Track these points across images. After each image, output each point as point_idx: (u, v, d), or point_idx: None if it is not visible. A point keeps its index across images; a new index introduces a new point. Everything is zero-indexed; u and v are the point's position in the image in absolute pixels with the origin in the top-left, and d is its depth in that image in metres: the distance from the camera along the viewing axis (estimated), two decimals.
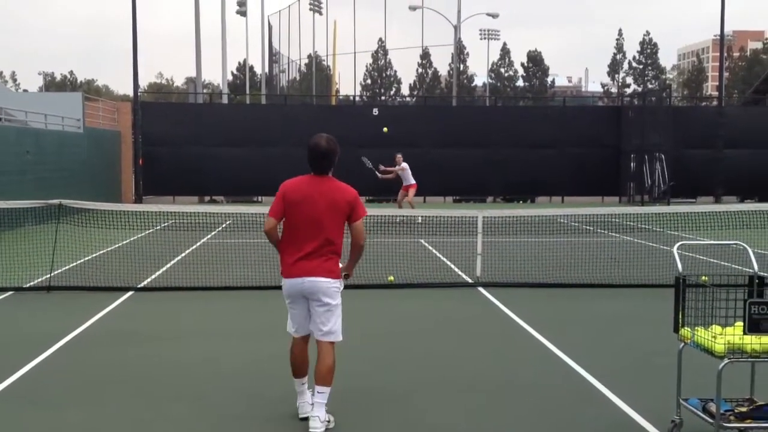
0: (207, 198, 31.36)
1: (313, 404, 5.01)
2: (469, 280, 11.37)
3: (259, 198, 31.14)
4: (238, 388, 6.10)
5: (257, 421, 5.39)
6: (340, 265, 5.20)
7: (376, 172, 20.88)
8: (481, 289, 10.79)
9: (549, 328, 8.24)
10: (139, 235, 15.55)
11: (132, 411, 5.57)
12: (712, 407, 4.54)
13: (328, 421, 5.07)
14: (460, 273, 12.10)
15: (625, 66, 79.67)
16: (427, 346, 7.68)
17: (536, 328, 8.25)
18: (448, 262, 13.14)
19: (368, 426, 5.34)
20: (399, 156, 20.75)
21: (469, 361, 7.01)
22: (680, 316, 4.79)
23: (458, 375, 6.53)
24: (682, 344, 4.82)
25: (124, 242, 14.92)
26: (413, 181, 20.52)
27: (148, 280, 11.29)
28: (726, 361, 4.40)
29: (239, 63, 78.15)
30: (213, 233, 16.53)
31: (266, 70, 58.09)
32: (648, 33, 79.37)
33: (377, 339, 7.97)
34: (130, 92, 31.99)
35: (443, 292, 10.76)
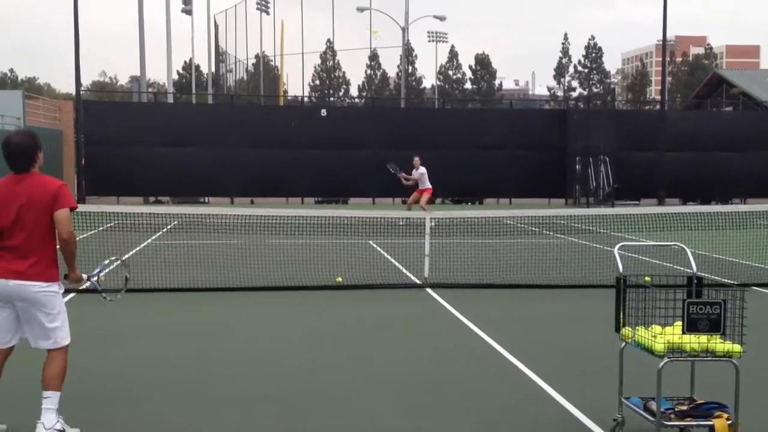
0: (152, 198, 30.86)
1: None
2: (417, 281, 11.41)
3: (206, 199, 30.78)
4: (189, 390, 5.99)
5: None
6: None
7: (402, 179, 20.54)
8: (428, 290, 10.82)
9: (494, 327, 8.30)
10: (82, 236, 15.19)
11: (69, 414, 5.42)
12: (653, 406, 4.61)
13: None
14: (408, 274, 12.12)
15: (571, 70, 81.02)
16: (374, 346, 7.68)
17: (482, 327, 8.31)
18: (397, 264, 13.16)
19: (314, 426, 5.29)
20: (417, 159, 20.44)
21: (414, 361, 7.02)
22: (621, 316, 4.87)
23: (404, 375, 6.53)
24: (624, 343, 4.89)
25: None
26: (429, 185, 20.28)
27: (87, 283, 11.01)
28: (666, 360, 4.48)
29: (185, 62, 77.19)
30: (158, 234, 16.25)
31: (213, 69, 57.49)
32: (593, 37, 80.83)
33: (323, 340, 7.93)
34: (73, 90, 31.31)
35: (391, 293, 10.77)
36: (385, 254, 14.30)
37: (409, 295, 10.58)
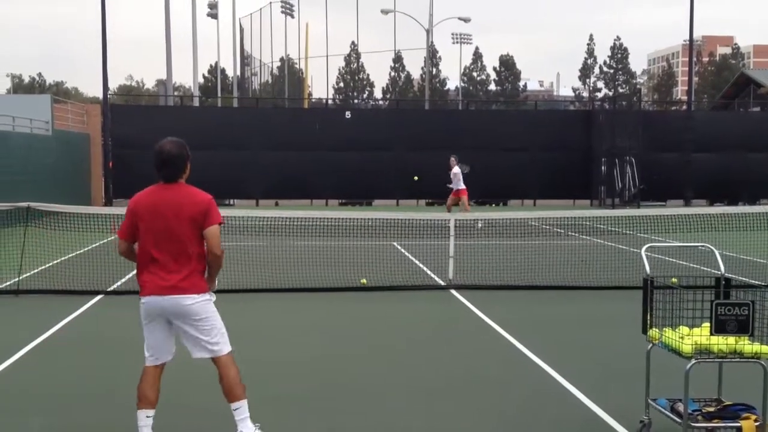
0: None
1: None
2: (442, 283, 11.40)
3: (231, 201, 30.94)
4: (210, 397, 6.05)
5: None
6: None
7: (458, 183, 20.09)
8: (453, 291, 10.82)
9: (520, 329, 8.29)
10: (109, 239, 15.37)
11: (99, 417, 5.50)
12: (680, 407, 4.59)
13: None
14: (432, 276, 12.12)
15: (596, 71, 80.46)
16: (399, 348, 7.69)
17: (507, 329, 8.29)
18: (421, 265, 13.16)
19: (341, 427, 5.32)
20: (453, 158, 20.22)
21: (441, 363, 7.03)
22: (648, 318, 4.84)
23: (429, 376, 6.54)
24: (651, 345, 4.87)
25: (94, 245, 14.74)
26: (463, 186, 20.05)
27: (118, 283, 11.17)
28: (693, 361, 4.45)
29: (211, 66, 77.66)
30: None
31: (238, 72, 57.88)
32: (618, 38, 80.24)
33: (349, 341, 7.96)
34: (100, 94, 31.65)
35: (416, 294, 10.79)
36: (410, 256, 14.31)
37: (433, 297, 10.59)
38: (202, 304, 4.66)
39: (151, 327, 4.73)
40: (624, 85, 77.45)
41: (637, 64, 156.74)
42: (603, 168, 31.03)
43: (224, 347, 4.75)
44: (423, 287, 11.22)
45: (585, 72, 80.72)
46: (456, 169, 20.10)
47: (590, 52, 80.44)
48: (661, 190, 30.46)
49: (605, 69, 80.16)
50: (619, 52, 79.85)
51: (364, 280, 11.28)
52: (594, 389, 6.07)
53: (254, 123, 30.88)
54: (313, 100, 54.66)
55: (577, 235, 16.83)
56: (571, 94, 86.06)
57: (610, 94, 68.76)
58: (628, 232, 16.79)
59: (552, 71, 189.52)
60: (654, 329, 4.80)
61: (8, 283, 10.88)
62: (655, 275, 4.84)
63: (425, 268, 12.80)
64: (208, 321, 4.69)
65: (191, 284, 4.61)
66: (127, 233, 4.71)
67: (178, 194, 4.63)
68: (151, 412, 4.71)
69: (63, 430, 5.27)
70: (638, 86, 79.96)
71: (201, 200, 4.63)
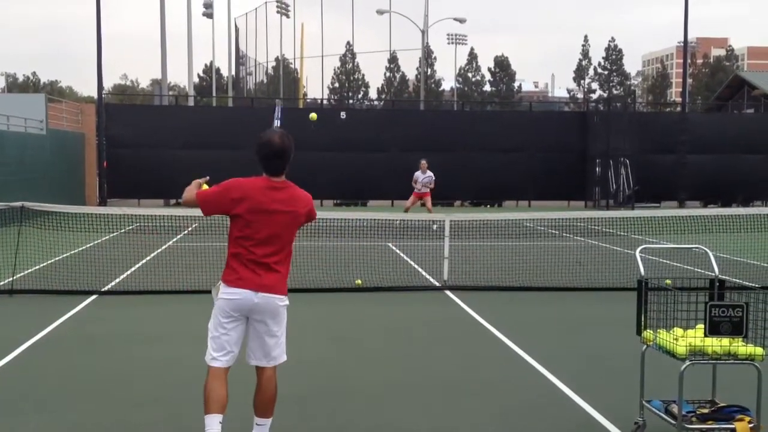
0: (172, 201, 31.07)
1: None
2: (437, 284, 11.41)
3: None
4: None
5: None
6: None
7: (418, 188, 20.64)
8: (448, 292, 10.83)
9: (514, 330, 8.30)
10: (104, 238, 15.36)
11: (94, 416, 5.50)
12: (675, 409, 4.60)
13: None
14: (427, 276, 12.13)
15: (591, 72, 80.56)
16: (394, 348, 7.70)
17: (501, 330, 8.31)
18: (416, 266, 13.17)
19: (337, 427, 5.33)
20: (423, 162, 20.75)
21: (435, 364, 7.03)
22: (643, 319, 4.86)
23: (424, 377, 6.55)
24: (645, 346, 4.88)
25: (89, 245, 14.72)
26: (428, 189, 20.47)
27: (113, 283, 11.15)
28: (687, 362, 4.47)
29: (205, 65, 77.57)
30: (179, 236, 16.37)
31: (233, 72, 57.78)
32: (613, 39, 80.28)
33: (344, 342, 7.97)
34: (94, 94, 31.63)
35: (411, 295, 10.80)
36: (405, 257, 14.32)
37: (428, 298, 10.60)
38: (285, 308, 4.59)
39: (233, 324, 4.48)
40: (618, 87, 77.55)
41: (632, 65, 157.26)
42: (597, 169, 31.09)
43: (281, 357, 4.64)
44: (418, 288, 11.23)
45: (579, 73, 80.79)
46: (428, 172, 20.55)
47: (585, 53, 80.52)
48: (655, 192, 30.55)
49: (600, 70, 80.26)
50: (614, 53, 79.93)
51: (359, 281, 11.28)
52: (588, 390, 6.08)
53: (249, 123, 30.85)
54: (309, 100, 54.60)
55: (571, 236, 16.87)
56: (566, 95, 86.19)
57: (605, 95, 68.90)
58: (622, 233, 16.83)
59: (546, 72, 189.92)
60: (648, 331, 4.82)
61: (2, 283, 10.85)
62: (649, 277, 4.85)
63: (420, 269, 12.81)
64: (282, 327, 4.61)
65: (284, 285, 4.55)
66: (213, 209, 4.54)
67: (293, 196, 4.54)
68: (221, 418, 4.43)
69: (59, 429, 5.26)
70: (633, 88, 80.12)
71: (308, 201, 4.62)
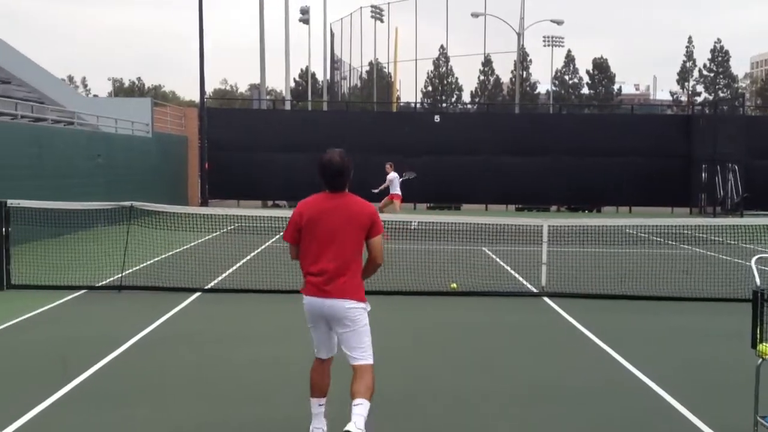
0: (270, 202, 31.76)
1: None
2: (534, 290, 11.22)
3: None
4: (306, 390, 6.12)
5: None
6: None
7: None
8: (546, 299, 10.63)
9: (616, 339, 8.06)
10: (206, 238, 15.83)
11: (198, 412, 5.64)
12: None
13: None
14: (524, 282, 11.95)
15: (695, 74, 77.74)
16: (493, 355, 7.60)
17: (603, 339, 8.08)
18: (512, 271, 12.99)
19: (431, 429, 5.30)
20: (389, 165, 20.93)
21: (533, 370, 6.90)
22: (758, 332, 4.63)
23: (525, 385, 6.43)
24: (761, 360, 4.66)
25: (192, 244, 15.20)
26: (398, 192, 20.50)
27: (215, 281, 11.47)
28: None
29: (301, 70, 79.01)
30: (276, 237, 16.68)
31: (328, 77, 58.60)
32: (719, 40, 77.23)
33: (441, 346, 7.92)
34: (196, 98, 32.70)
35: (507, 301, 10.64)
36: (500, 261, 14.15)
37: (525, 304, 10.43)
38: (359, 311, 4.79)
39: (314, 327, 4.91)
40: (725, 89, 74.56)
41: (738, 67, 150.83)
42: (704, 175, 29.95)
43: (365, 359, 4.83)
44: (515, 293, 11.07)
45: (683, 75, 78.07)
46: (392, 175, 20.49)
47: (689, 55, 77.79)
48: (766, 199, 29.17)
49: (705, 72, 77.36)
50: (720, 55, 76.90)
51: (454, 285, 11.20)
52: (699, 404, 5.83)
53: (343, 126, 31.21)
54: (402, 104, 54.80)
55: (676, 243, 16.29)
56: (669, 98, 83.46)
57: (710, 98, 66.32)
58: (731, 242, 16.14)
59: (648, 75, 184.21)
60: (764, 344, 4.59)
61: (111, 279, 11.33)
62: (766, 288, 4.62)
63: (516, 275, 12.63)
64: (356, 328, 4.79)
65: (352, 290, 4.77)
66: (294, 236, 4.88)
67: (347, 202, 4.83)
68: (323, 401, 4.94)
69: (165, 422, 5.42)
70: (740, 90, 76.83)
71: (370, 210, 4.86)
